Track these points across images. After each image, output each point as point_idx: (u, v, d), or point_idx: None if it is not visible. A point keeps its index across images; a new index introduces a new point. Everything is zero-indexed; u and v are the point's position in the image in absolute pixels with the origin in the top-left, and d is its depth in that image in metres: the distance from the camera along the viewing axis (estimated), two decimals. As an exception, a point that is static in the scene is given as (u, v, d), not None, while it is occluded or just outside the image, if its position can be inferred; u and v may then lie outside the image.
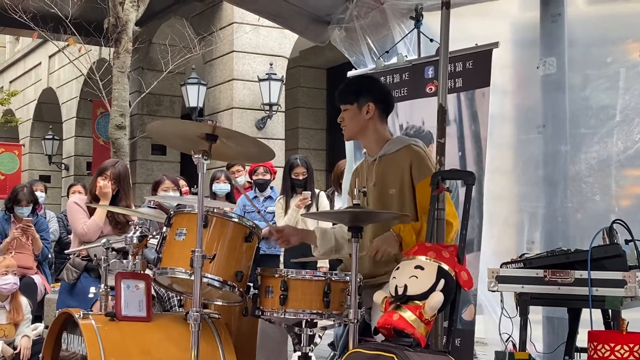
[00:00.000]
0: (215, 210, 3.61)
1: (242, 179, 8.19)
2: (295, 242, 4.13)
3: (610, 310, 3.44)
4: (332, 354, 6.00)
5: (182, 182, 7.57)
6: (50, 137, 19.92)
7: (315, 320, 3.54)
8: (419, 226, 3.69)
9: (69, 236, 6.45)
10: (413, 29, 5.25)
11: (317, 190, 7.17)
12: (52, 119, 20.89)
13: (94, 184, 5.43)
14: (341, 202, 6.81)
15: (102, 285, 3.97)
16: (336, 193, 7.30)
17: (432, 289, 3.13)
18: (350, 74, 5.55)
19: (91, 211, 5.38)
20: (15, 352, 5.81)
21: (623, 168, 4.32)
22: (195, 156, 3.42)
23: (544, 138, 4.62)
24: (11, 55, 24.50)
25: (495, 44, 4.62)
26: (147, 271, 3.90)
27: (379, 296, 3.29)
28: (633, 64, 4.27)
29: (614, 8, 4.62)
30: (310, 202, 6.81)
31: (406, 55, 5.23)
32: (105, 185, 5.33)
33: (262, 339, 3.91)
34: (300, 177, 6.99)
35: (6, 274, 5.95)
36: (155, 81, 13.96)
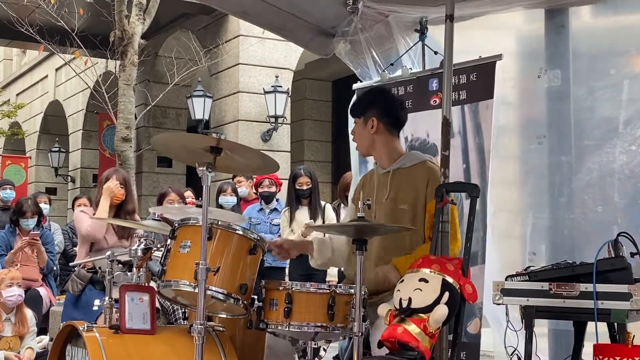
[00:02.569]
0: (219, 223, 3.61)
1: (244, 190, 8.19)
2: (294, 255, 4.16)
3: (615, 324, 3.43)
4: (336, 367, 5.98)
5: (189, 194, 7.58)
6: (57, 149, 19.95)
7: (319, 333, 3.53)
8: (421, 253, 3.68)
9: (74, 248, 6.47)
10: (418, 41, 5.27)
11: (323, 203, 7.16)
12: (59, 132, 20.94)
13: (99, 194, 5.45)
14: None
15: (107, 298, 3.96)
16: (342, 205, 7.29)
17: (437, 302, 3.13)
18: (355, 86, 5.56)
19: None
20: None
21: (626, 179, 4.31)
22: (200, 169, 3.42)
23: (548, 149, 4.62)
24: (18, 68, 24.58)
25: (499, 56, 4.62)
26: (152, 283, 3.90)
27: (383, 309, 3.28)
28: (637, 75, 4.27)
29: (618, 20, 4.63)
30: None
31: (411, 68, 5.24)
32: (116, 185, 5.37)
33: (269, 353, 3.90)
34: (304, 187, 6.98)
35: (11, 285, 5.95)
36: (161, 94, 13.99)
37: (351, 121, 4.12)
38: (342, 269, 4.68)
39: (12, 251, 7.19)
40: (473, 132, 4.74)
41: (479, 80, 4.70)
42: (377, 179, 3.98)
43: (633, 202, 4.33)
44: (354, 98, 4.08)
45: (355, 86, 5.58)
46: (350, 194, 5.80)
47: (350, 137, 4.16)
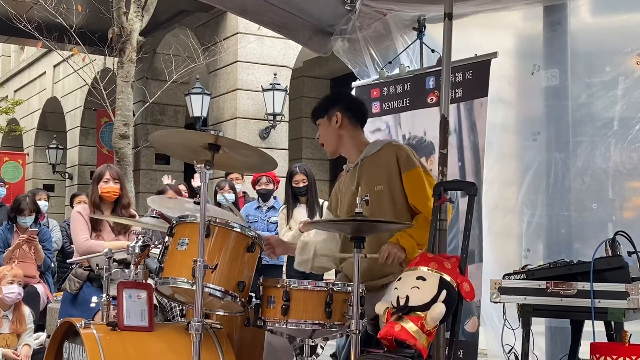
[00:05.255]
0: (217, 220, 3.60)
1: (240, 186, 8.19)
2: (279, 253, 4.21)
3: (613, 322, 3.43)
4: (334, 364, 5.98)
5: (182, 187, 7.59)
6: (55, 146, 19.95)
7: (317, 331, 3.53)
8: (416, 233, 3.70)
9: (72, 245, 6.47)
10: (416, 39, 5.27)
11: (320, 200, 7.16)
12: (56, 128, 20.93)
13: (94, 192, 5.47)
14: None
15: (104, 295, 3.96)
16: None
17: (434, 300, 3.13)
18: (354, 84, 5.57)
19: (93, 222, 5.41)
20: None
21: (621, 176, 4.32)
22: (198, 166, 3.42)
23: (543, 147, 4.62)
24: (16, 65, 24.58)
25: (494, 54, 4.63)
26: (149, 281, 3.90)
27: (380, 307, 3.28)
28: (631, 72, 4.27)
29: (614, 18, 4.63)
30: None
31: (408, 66, 5.24)
32: (112, 187, 5.43)
33: (268, 350, 3.90)
34: (301, 185, 6.97)
35: (12, 283, 5.96)
36: (159, 91, 13.99)
37: None
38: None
39: (9, 248, 7.19)
40: (468, 130, 4.75)
41: (474, 78, 4.71)
42: (347, 176, 4.08)
43: (632, 202, 4.34)
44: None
45: (354, 84, 5.58)
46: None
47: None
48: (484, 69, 4.66)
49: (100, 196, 5.46)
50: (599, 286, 3.28)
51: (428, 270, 3.20)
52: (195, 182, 8.07)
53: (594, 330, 3.32)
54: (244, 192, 8.33)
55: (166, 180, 8.21)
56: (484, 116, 4.64)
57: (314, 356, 3.60)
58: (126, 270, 3.92)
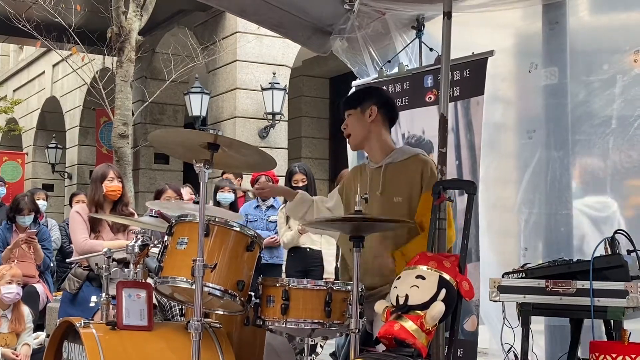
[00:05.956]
0: (216, 220, 3.61)
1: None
2: (269, 195, 4.13)
3: (612, 321, 3.43)
4: (333, 363, 5.99)
5: (188, 190, 7.57)
6: (54, 145, 19.92)
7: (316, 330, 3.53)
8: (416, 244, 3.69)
9: (71, 245, 6.48)
10: (414, 38, 5.27)
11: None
12: (56, 128, 20.91)
13: (97, 190, 5.47)
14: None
15: (104, 294, 3.96)
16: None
17: (434, 299, 3.13)
18: (354, 83, 5.56)
19: (92, 222, 5.41)
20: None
21: (619, 175, 4.32)
22: (197, 165, 3.42)
23: (542, 145, 4.62)
24: (15, 64, 24.55)
25: (491, 52, 4.62)
26: (149, 280, 3.90)
27: (380, 306, 3.28)
28: (629, 70, 4.27)
29: (613, 17, 4.63)
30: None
31: (407, 65, 5.24)
32: (117, 186, 5.46)
33: (269, 350, 3.90)
34: (300, 184, 6.95)
35: (11, 282, 5.96)
36: (159, 90, 13.98)
37: None
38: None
39: (8, 247, 7.19)
40: (465, 128, 4.74)
41: (471, 76, 4.70)
42: (369, 174, 3.99)
43: (631, 201, 4.34)
44: (348, 94, 4.10)
45: (354, 83, 5.58)
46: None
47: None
48: (481, 67, 4.65)
49: (105, 195, 5.46)
50: (598, 285, 3.28)
51: (427, 269, 3.20)
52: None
53: (593, 329, 3.32)
54: (244, 191, 8.31)
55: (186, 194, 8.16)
56: (481, 114, 4.63)
57: (313, 355, 3.60)
58: (125, 270, 3.92)
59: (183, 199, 6.82)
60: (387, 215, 3.76)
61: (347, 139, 4.05)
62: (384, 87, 5.22)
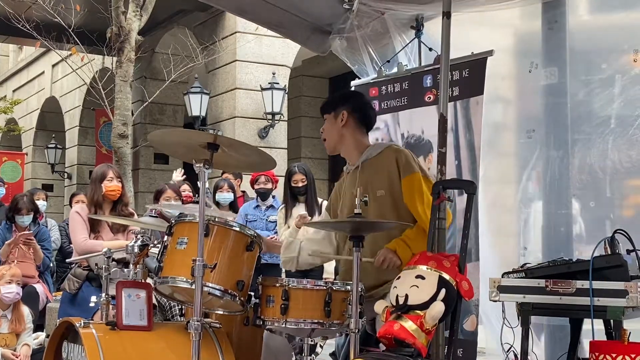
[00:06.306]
0: (216, 219, 3.61)
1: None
2: (264, 250, 4.20)
3: (612, 321, 3.43)
4: (333, 363, 5.99)
5: (185, 187, 7.58)
6: (53, 145, 19.91)
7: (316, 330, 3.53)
8: (412, 234, 3.70)
9: (71, 245, 6.48)
10: (414, 38, 5.27)
11: (320, 200, 7.15)
12: (55, 128, 20.90)
13: (97, 190, 5.47)
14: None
15: (103, 295, 3.96)
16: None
17: (433, 299, 3.13)
18: (354, 83, 5.56)
19: (92, 222, 5.41)
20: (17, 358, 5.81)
21: (619, 174, 4.32)
22: (197, 165, 3.42)
23: (542, 145, 4.62)
24: (14, 64, 24.54)
25: (490, 52, 4.62)
26: (148, 280, 3.90)
27: (380, 306, 3.28)
28: (628, 70, 4.27)
29: (612, 16, 4.63)
30: (308, 219, 6.75)
31: (406, 65, 5.24)
32: (116, 186, 5.45)
33: (266, 351, 3.90)
34: (300, 185, 6.95)
35: (10, 282, 5.95)
36: (158, 90, 13.97)
37: None
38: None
39: (6, 242, 7.18)
40: (464, 128, 4.75)
41: (470, 76, 4.70)
42: (348, 178, 4.05)
43: (630, 200, 4.34)
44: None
45: (353, 83, 5.58)
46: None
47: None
48: (481, 67, 4.65)
49: (104, 195, 5.46)
50: (598, 284, 3.28)
51: (427, 269, 3.20)
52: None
53: (593, 329, 3.32)
54: (243, 192, 8.33)
55: (177, 175, 8.19)
56: (480, 114, 4.64)
57: (313, 355, 3.60)
58: (125, 270, 3.92)
59: (182, 196, 6.83)
60: (373, 210, 3.78)
61: (324, 143, 4.14)
62: (383, 87, 5.23)
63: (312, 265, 4.37)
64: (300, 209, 7.02)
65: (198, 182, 3.46)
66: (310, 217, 6.80)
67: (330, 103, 4.13)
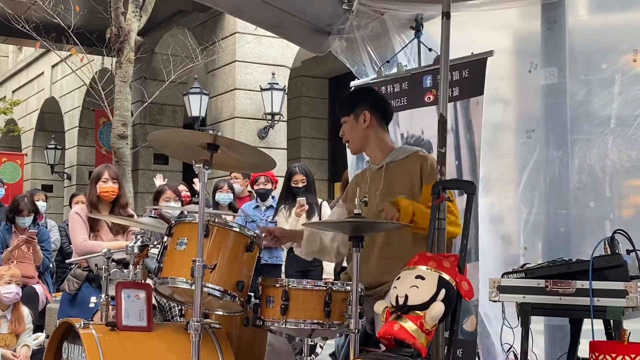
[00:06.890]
0: (216, 220, 3.61)
1: (238, 187, 8.18)
2: (285, 242, 4.18)
3: (611, 321, 3.43)
4: (333, 363, 5.99)
5: (182, 188, 7.58)
6: (53, 146, 19.91)
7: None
8: (424, 208, 3.68)
9: (71, 246, 6.48)
10: (413, 38, 5.27)
11: (319, 200, 7.15)
12: (55, 129, 20.90)
13: (92, 191, 5.47)
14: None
15: (103, 295, 3.96)
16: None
17: (433, 299, 3.13)
18: (353, 83, 5.56)
19: (91, 223, 5.41)
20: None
21: (618, 174, 4.32)
22: (197, 165, 3.42)
23: (542, 145, 4.62)
24: (14, 65, 24.55)
25: (490, 52, 4.62)
26: (148, 281, 3.90)
27: (379, 306, 3.28)
28: (628, 70, 4.27)
29: (611, 16, 4.63)
30: (306, 207, 6.75)
31: (406, 65, 5.24)
32: (111, 187, 5.44)
33: (271, 351, 3.90)
34: (300, 185, 6.96)
35: (10, 283, 5.95)
36: (158, 91, 13.98)
37: None
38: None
39: (8, 249, 7.19)
40: (464, 128, 4.75)
41: (470, 76, 4.70)
42: (370, 176, 4.02)
43: (630, 200, 4.34)
44: (339, 99, 4.12)
45: (353, 83, 5.58)
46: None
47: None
48: (481, 67, 4.65)
49: (99, 196, 5.46)
50: (597, 284, 3.28)
51: (427, 269, 3.20)
52: (197, 186, 8.05)
53: (592, 329, 3.32)
54: (250, 192, 8.29)
55: (159, 181, 8.19)
56: (480, 114, 4.64)
57: (313, 355, 3.60)
58: (125, 271, 3.92)
59: (182, 199, 6.83)
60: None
61: (347, 145, 4.09)
62: (383, 88, 5.22)
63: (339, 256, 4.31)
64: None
65: (195, 183, 3.46)
66: (307, 206, 6.76)
67: (348, 104, 4.05)
